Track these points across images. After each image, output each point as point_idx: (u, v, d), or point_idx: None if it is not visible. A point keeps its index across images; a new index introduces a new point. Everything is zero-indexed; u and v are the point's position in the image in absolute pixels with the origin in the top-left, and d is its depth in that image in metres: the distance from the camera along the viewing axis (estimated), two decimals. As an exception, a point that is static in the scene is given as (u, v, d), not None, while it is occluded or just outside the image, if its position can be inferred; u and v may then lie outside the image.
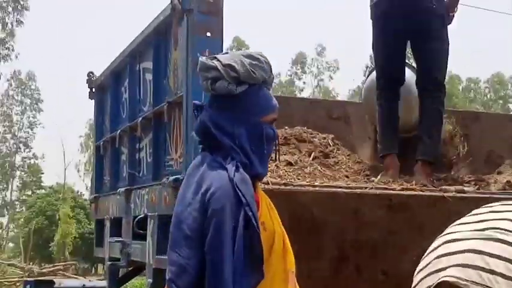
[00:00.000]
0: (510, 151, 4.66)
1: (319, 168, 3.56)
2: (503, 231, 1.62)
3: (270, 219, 1.96)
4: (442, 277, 1.59)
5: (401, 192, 3.16)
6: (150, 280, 3.38)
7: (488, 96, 36.89)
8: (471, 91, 36.71)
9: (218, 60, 1.96)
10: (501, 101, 34.75)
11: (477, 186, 3.43)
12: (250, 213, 1.77)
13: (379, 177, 3.51)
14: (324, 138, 4.06)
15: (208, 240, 1.79)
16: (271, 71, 2.03)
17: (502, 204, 1.90)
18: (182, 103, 2.91)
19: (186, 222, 1.90)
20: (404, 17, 3.83)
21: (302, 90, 35.81)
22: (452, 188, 3.24)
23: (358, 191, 3.13)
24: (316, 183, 3.08)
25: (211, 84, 1.95)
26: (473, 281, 1.53)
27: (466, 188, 3.29)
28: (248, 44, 33.17)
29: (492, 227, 1.64)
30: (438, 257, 1.67)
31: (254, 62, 1.96)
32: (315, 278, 2.68)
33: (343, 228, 2.89)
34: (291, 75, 37.32)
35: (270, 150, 2.09)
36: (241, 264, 1.75)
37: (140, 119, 3.68)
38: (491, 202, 1.81)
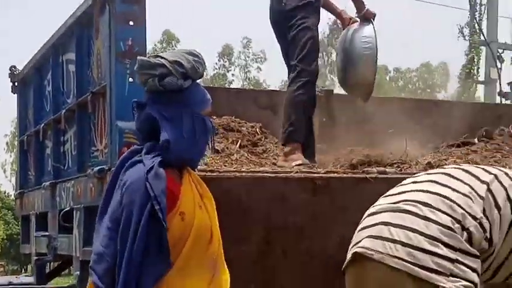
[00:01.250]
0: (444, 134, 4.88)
1: (247, 155, 3.66)
2: (411, 202, 1.80)
3: (193, 210, 2.03)
4: (355, 248, 1.71)
5: (325, 175, 3.22)
6: (78, 273, 3.39)
7: (417, 85, 38.03)
8: (399, 80, 37.98)
9: (163, 57, 2.05)
10: (429, 90, 36.12)
11: (399, 168, 3.54)
12: (157, 207, 1.86)
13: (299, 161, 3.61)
14: (252, 127, 4.18)
15: (119, 231, 1.91)
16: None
17: (426, 174, 2.04)
18: (106, 93, 2.94)
19: (108, 213, 2.01)
20: (273, 18, 4.09)
21: (231, 82, 36.03)
22: (374, 169, 3.34)
23: (284, 175, 3.20)
24: (242, 169, 3.12)
25: (159, 80, 2.03)
26: (378, 251, 1.76)
27: (387, 170, 3.38)
28: (178, 37, 33.53)
29: (405, 199, 1.79)
30: (359, 230, 1.83)
31: (196, 59, 2.07)
32: (243, 261, 2.71)
33: (269, 212, 2.95)
34: (218, 68, 37.84)
35: (208, 141, 2.20)
36: (141, 256, 1.86)
37: (64, 111, 3.70)
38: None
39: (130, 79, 2.77)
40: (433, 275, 1.71)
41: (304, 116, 3.96)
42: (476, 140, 4.75)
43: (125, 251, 1.91)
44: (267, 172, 3.24)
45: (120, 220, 1.95)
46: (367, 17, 4.15)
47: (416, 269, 1.72)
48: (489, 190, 1.92)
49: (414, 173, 2.68)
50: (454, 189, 1.89)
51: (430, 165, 3.71)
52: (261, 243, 2.98)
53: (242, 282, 2.43)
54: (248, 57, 37.68)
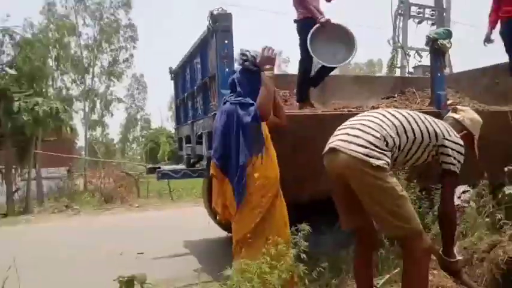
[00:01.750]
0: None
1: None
2: (360, 125, 2.03)
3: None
4: (331, 144, 2.02)
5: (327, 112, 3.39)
6: (205, 162, 3.64)
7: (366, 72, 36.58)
8: (355, 71, 35.30)
9: (247, 52, 2.39)
10: (372, 74, 34.74)
11: (361, 108, 3.69)
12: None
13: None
14: (285, 92, 4.39)
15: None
16: None
17: (370, 112, 2.24)
18: (215, 77, 3.09)
19: (218, 127, 2.46)
20: None
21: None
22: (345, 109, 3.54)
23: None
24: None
25: (244, 62, 2.41)
26: (343, 147, 1.95)
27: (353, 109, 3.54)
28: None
29: (358, 122, 2.05)
30: (333, 136, 2.07)
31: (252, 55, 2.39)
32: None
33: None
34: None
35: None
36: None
37: (196, 87, 4.01)
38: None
39: (227, 69, 2.95)
40: (370, 159, 1.82)
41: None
42: (395, 95, 4.97)
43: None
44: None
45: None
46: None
47: (361, 156, 1.84)
48: (398, 120, 2.00)
49: (364, 111, 3.04)
50: (381, 120, 1.99)
51: (373, 108, 3.79)
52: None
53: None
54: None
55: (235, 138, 2.33)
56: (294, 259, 1.98)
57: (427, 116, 2.12)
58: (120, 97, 24.80)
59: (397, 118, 2.01)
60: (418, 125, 2.01)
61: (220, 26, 2.92)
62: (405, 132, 1.97)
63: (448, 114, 2.32)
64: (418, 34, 14.88)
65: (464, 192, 3.66)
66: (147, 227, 6.22)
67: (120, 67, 22.01)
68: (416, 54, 13.61)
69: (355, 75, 13.15)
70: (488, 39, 4.78)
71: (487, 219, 3.10)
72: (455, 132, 2.10)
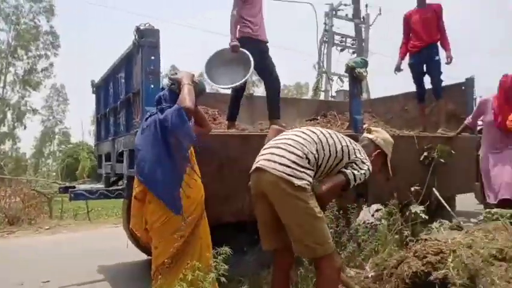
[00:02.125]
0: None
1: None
2: (284, 144, 2.05)
3: None
4: (256, 164, 2.07)
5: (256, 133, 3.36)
6: (125, 181, 3.43)
7: (294, 93, 40.39)
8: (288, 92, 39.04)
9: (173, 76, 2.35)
10: (299, 95, 38.30)
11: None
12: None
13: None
14: (214, 111, 4.39)
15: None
16: None
17: (293, 131, 2.23)
18: (140, 93, 2.98)
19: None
20: None
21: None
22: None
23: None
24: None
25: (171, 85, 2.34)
26: (266, 166, 1.99)
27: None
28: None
29: (282, 142, 2.05)
30: (259, 155, 2.11)
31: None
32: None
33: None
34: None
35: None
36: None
37: (119, 102, 3.77)
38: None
39: (152, 86, 2.85)
40: (292, 178, 1.88)
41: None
42: (319, 117, 5.32)
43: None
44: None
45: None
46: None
47: (285, 175, 1.89)
48: (318, 136, 2.09)
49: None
50: (302, 138, 2.06)
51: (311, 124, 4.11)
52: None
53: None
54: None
55: (162, 149, 2.20)
56: (214, 283, 1.96)
57: (343, 135, 2.22)
58: (37, 108, 22.74)
59: (316, 135, 2.08)
60: (335, 142, 2.11)
61: (146, 41, 2.85)
62: (323, 148, 2.04)
63: (363, 135, 2.47)
64: (340, 61, 16.20)
65: (377, 210, 3.96)
66: (56, 251, 5.61)
67: (38, 76, 20.23)
68: (338, 79, 14.73)
69: (282, 97, 13.66)
70: (398, 69, 5.33)
71: (396, 236, 3.34)
72: (365, 153, 2.20)
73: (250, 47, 3.80)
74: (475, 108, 4.62)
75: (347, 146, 2.12)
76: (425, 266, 2.33)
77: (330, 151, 2.07)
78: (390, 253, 3.02)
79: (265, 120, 4.56)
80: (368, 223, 3.78)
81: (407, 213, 3.52)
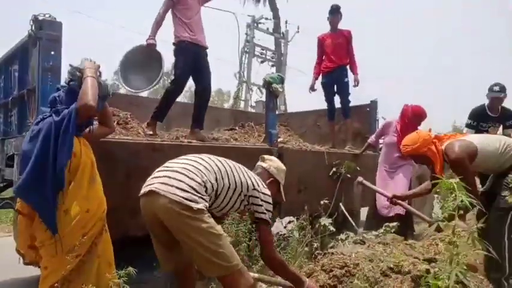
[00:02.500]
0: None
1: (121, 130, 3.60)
2: (183, 169, 1.97)
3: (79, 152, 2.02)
4: (150, 187, 1.93)
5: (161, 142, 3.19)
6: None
7: (216, 99, 39.64)
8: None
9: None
10: (220, 102, 38.93)
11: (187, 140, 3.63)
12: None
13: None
14: (126, 114, 4.11)
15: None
16: None
17: (192, 156, 2.13)
18: (35, 90, 2.74)
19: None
20: None
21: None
22: (185, 141, 3.48)
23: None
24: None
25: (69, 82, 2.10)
26: (162, 190, 1.87)
27: (194, 142, 3.49)
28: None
29: (180, 166, 1.99)
30: (154, 177, 1.98)
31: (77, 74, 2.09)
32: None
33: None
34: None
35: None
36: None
37: (11, 98, 3.41)
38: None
39: (50, 83, 2.60)
40: (190, 202, 1.86)
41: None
42: (237, 127, 5.32)
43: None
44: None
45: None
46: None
47: (182, 199, 1.86)
48: (218, 167, 2.09)
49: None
50: (203, 165, 2.05)
51: (215, 139, 3.99)
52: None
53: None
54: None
55: (52, 158, 1.95)
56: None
57: (241, 166, 2.24)
58: None
59: (217, 165, 2.09)
60: (234, 175, 2.13)
61: (44, 33, 2.58)
62: (223, 179, 2.06)
63: (257, 164, 2.53)
64: (260, 72, 16.68)
65: (289, 222, 4.05)
66: None
67: None
68: (258, 89, 15.15)
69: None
70: (312, 88, 5.62)
71: (306, 248, 3.44)
72: (263, 184, 2.26)
73: (188, 51, 3.74)
74: (378, 129, 5.02)
75: (246, 180, 2.16)
76: (332, 279, 2.44)
77: (229, 182, 2.09)
78: (301, 265, 3.08)
79: (182, 127, 4.41)
80: (281, 235, 3.83)
81: (317, 226, 3.64)
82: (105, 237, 2.15)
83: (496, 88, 4.59)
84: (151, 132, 3.69)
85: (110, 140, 2.72)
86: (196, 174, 1.97)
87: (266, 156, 2.54)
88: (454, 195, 1.60)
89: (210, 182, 2.00)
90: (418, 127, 4.30)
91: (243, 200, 2.16)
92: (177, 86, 3.83)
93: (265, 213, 2.16)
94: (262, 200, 2.16)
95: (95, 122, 2.26)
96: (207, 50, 3.97)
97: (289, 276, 2.26)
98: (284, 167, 2.51)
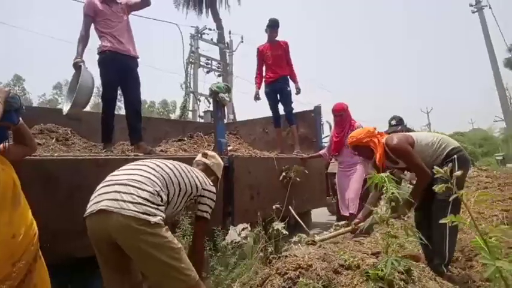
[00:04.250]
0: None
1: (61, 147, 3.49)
2: (132, 180, 1.89)
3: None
4: (99, 206, 1.80)
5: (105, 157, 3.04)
6: None
7: (160, 110, 42.54)
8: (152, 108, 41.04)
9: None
10: (166, 113, 41.59)
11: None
12: None
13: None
14: (66, 130, 3.96)
15: None
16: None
17: (142, 162, 2.07)
18: None
19: None
20: None
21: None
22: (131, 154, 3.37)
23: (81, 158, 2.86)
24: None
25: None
26: (114, 207, 1.78)
27: (140, 155, 3.37)
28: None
29: (128, 178, 1.88)
30: (100, 194, 1.86)
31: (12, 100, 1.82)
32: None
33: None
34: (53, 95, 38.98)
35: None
36: None
37: None
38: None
39: None
40: (147, 216, 1.80)
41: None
42: (186, 138, 5.31)
43: None
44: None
45: None
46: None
47: (138, 214, 1.79)
48: (167, 173, 2.05)
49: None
50: (151, 173, 1.98)
51: (162, 151, 4.01)
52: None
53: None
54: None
55: None
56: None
57: (186, 166, 2.25)
58: None
59: (164, 170, 2.06)
60: (182, 177, 2.13)
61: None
62: (173, 184, 2.05)
63: (198, 158, 2.54)
64: (207, 82, 16.68)
65: (243, 229, 4.05)
66: None
67: None
68: (205, 100, 15.07)
69: (148, 116, 13.15)
70: (256, 98, 5.71)
71: (261, 254, 3.44)
72: (209, 181, 2.32)
73: (111, 61, 3.62)
74: (328, 141, 5.14)
75: (195, 181, 2.19)
76: (286, 282, 2.44)
77: (180, 186, 2.08)
78: (256, 271, 3.07)
79: (128, 141, 4.26)
80: (235, 243, 3.81)
81: (270, 230, 3.67)
82: (40, 263, 1.95)
83: (393, 122, 5.03)
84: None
85: (48, 158, 2.58)
86: (146, 184, 1.91)
87: (209, 152, 2.58)
88: (385, 188, 1.70)
89: (162, 190, 1.97)
90: (352, 120, 4.68)
91: (192, 199, 2.21)
92: (103, 101, 3.70)
93: (207, 211, 2.24)
94: (208, 198, 2.23)
95: (10, 140, 1.99)
96: (138, 60, 3.86)
97: (198, 268, 2.19)
98: (221, 162, 2.61)
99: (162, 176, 2.02)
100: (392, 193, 1.67)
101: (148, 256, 1.82)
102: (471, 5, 18.73)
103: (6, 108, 1.79)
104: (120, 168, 2.06)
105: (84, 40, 3.61)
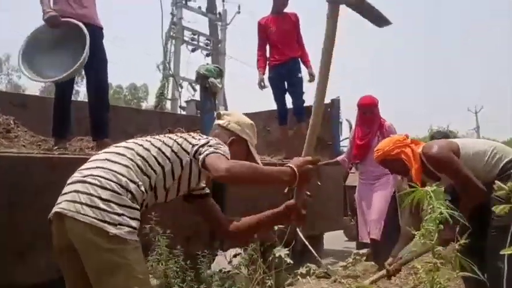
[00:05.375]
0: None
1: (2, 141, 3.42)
2: (93, 176, 1.89)
3: None
4: (56, 208, 1.79)
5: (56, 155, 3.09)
6: None
7: (128, 97, 44.15)
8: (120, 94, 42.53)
9: None
10: (135, 100, 42.91)
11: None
12: None
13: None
14: (7, 119, 3.92)
15: None
16: None
17: (104, 152, 1.98)
18: None
19: None
20: None
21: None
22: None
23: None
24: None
25: None
26: (71, 210, 1.74)
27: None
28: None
29: (89, 174, 1.87)
30: (62, 194, 1.85)
31: None
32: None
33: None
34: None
35: None
36: None
37: None
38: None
39: None
40: (106, 225, 1.76)
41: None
42: (164, 134, 5.41)
43: None
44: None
45: None
46: None
47: (96, 221, 1.76)
48: (141, 156, 1.97)
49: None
50: (118, 163, 1.92)
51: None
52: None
53: None
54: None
55: None
56: None
57: (172, 135, 2.16)
58: None
59: (138, 154, 1.99)
60: (162, 151, 2.02)
61: None
62: (151, 166, 1.97)
63: (214, 123, 2.40)
64: (193, 64, 16.61)
65: (235, 256, 4.04)
66: None
67: None
68: (189, 86, 15.02)
69: (115, 105, 13.21)
70: (261, 85, 5.71)
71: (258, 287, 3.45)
72: (214, 139, 2.11)
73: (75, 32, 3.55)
74: (348, 144, 5.09)
75: (177, 143, 2.06)
76: (291, 325, 2.45)
77: (163, 164, 2.00)
78: (252, 309, 3.09)
79: (87, 135, 4.28)
80: (224, 272, 3.82)
81: (270, 258, 3.68)
82: None
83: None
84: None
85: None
86: (110, 180, 1.86)
87: (223, 112, 2.40)
88: (431, 206, 1.69)
89: (134, 182, 1.89)
90: (382, 119, 4.67)
91: (195, 165, 2.04)
92: (57, 83, 3.69)
93: (211, 146, 1.98)
94: (211, 147, 1.99)
95: None
96: (103, 31, 3.89)
97: (269, 173, 2.02)
98: (249, 121, 2.37)
99: (135, 163, 1.94)
100: (441, 213, 1.65)
101: (97, 278, 1.80)
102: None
103: None
104: (89, 160, 2.04)
105: None
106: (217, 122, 2.36)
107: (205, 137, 2.14)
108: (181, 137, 2.12)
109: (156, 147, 2.03)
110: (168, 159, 2.02)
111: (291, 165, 2.01)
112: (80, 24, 3.46)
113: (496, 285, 2.70)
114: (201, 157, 1.96)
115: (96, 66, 3.75)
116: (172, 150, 2.04)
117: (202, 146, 2.01)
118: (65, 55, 3.54)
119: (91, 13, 3.75)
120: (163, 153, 2.02)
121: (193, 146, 2.05)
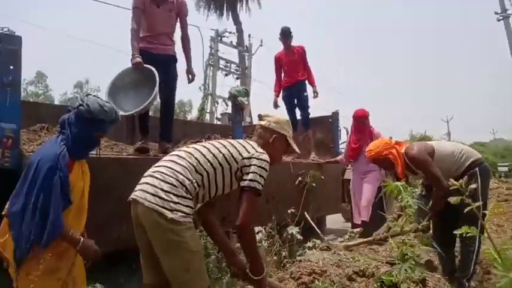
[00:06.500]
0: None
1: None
2: (159, 172, 1.89)
3: (77, 179, 1.98)
4: (132, 195, 1.88)
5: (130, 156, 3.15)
6: None
7: (177, 111, 42.27)
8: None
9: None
10: (182, 113, 40.13)
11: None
12: (61, 174, 1.84)
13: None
14: None
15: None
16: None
17: (171, 154, 2.03)
18: None
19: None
20: None
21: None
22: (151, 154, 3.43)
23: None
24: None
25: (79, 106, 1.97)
26: (140, 197, 1.83)
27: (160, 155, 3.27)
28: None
29: (157, 171, 1.91)
30: (139, 184, 1.91)
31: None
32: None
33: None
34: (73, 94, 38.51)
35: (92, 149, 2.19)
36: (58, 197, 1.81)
37: None
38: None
39: (9, 99, 2.50)
40: (165, 210, 1.78)
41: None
42: (203, 140, 5.30)
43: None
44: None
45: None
46: None
47: (157, 207, 1.79)
48: (194, 157, 1.96)
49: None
50: (176, 163, 1.94)
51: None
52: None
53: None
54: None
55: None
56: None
57: (225, 141, 2.11)
58: None
59: (194, 156, 1.97)
60: (214, 155, 1.99)
61: (3, 48, 2.49)
62: (203, 166, 1.94)
63: (256, 125, 2.33)
64: (226, 85, 16.79)
65: (257, 233, 4.06)
66: None
67: None
68: (223, 102, 15.20)
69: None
70: (275, 105, 5.81)
71: (275, 258, 3.46)
72: (256, 148, 2.07)
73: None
74: (345, 147, 5.18)
75: (229, 151, 2.01)
76: (300, 286, 2.48)
77: (212, 166, 1.96)
78: (270, 274, 3.09)
79: (150, 141, 4.31)
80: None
81: (284, 235, 3.69)
82: (79, 258, 2.07)
83: None
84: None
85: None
86: (169, 176, 1.87)
87: (263, 114, 2.32)
88: (400, 196, 1.70)
89: (188, 178, 1.88)
90: (371, 128, 4.75)
91: (237, 173, 1.99)
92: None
93: (253, 180, 1.93)
94: (255, 166, 1.95)
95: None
96: (176, 57, 3.83)
97: (253, 255, 2.05)
98: (286, 118, 2.30)
99: (189, 162, 1.93)
100: (407, 202, 1.67)
101: (163, 251, 1.84)
102: (496, 13, 18.33)
103: (104, 119, 2.00)
104: (160, 160, 2.06)
105: (138, 35, 3.51)
106: (259, 123, 2.27)
107: (252, 148, 2.06)
108: (232, 145, 2.07)
109: (211, 152, 2.00)
110: (219, 163, 1.98)
111: (250, 274, 2.08)
112: (153, 69, 3.38)
113: (467, 260, 2.70)
114: (245, 183, 1.94)
115: (169, 84, 3.68)
116: (224, 157, 2.00)
117: (249, 166, 1.97)
118: (140, 91, 3.46)
119: (167, 47, 3.73)
120: (216, 158, 1.98)
121: (243, 158, 2.00)
